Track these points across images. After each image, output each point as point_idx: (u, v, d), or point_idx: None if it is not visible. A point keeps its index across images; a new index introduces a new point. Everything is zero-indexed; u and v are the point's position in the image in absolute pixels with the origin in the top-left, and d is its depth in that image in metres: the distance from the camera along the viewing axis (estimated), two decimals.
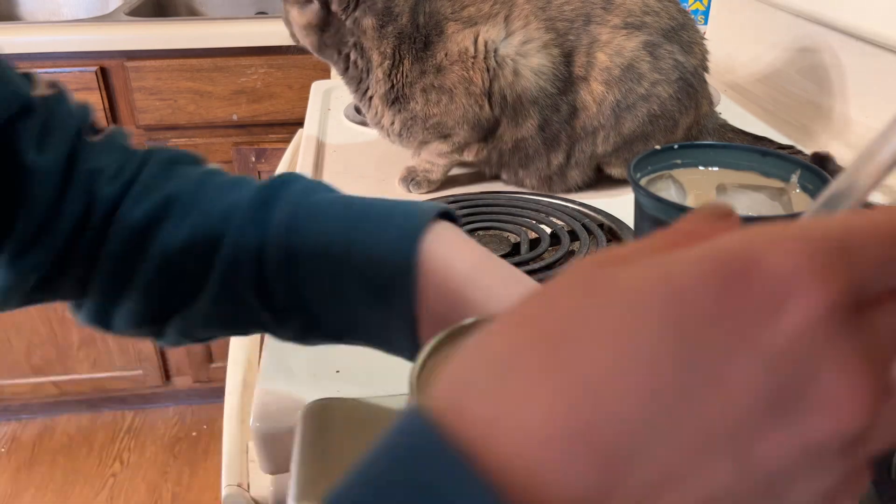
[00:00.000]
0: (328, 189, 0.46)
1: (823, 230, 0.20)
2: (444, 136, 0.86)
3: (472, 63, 0.81)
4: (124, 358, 1.83)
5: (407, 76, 0.84)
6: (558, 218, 0.81)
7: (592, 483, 0.18)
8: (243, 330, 0.49)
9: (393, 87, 0.85)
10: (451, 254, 0.41)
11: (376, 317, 0.42)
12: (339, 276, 0.42)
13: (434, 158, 0.89)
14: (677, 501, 0.19)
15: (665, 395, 0.18)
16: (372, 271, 0.41)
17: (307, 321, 0.44)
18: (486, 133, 0.86)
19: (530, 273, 0.68)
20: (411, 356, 0.42)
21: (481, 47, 0.81)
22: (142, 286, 0.44)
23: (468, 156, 0.89)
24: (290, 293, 0.43)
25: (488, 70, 0.81)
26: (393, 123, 0.87)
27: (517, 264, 0.62)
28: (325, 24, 0.83)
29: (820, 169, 0.46)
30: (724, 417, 0.18)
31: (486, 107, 0.83)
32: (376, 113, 0.88)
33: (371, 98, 0.87)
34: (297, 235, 0.42)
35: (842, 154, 0.94)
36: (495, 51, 0.82)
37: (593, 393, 0.18)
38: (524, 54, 0.81)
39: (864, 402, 0.18)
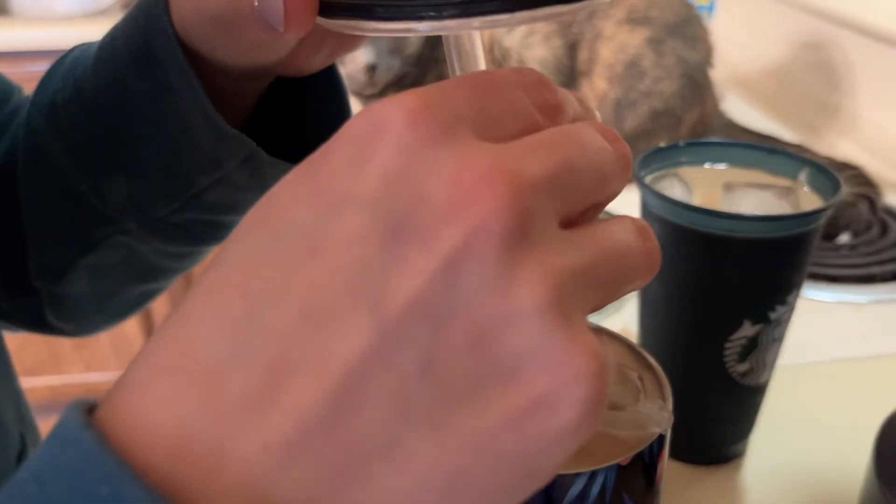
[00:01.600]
0: None
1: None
2: None
3: None
4: (119, 359, 1.82)
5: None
6: None
7: (213, 438, 0.17)
8: (89, 232, 0.45)
9: (405, 77, 0.85)
10: None
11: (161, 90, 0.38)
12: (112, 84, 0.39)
13: None
14: (304, 389, 0.17)
15: (253, 291, 0.18)
16: (135, 45, 0.38)
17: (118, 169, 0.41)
18: None
19: None
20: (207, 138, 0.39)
21: (486, 39, 0.81)
22: None
23: None
24: (85, 126, 0.40)
25: (493, 62, 0.81)
26: None
27: None
28: None
29: (828, 167, 0.45)
30: (332, 276, 0.17)
31: None
32: None
33: (386, 93, 0.87)
34: (60, 80, 0.41)
35: (851, 152, 0.92)
36: (500, 42, 0.82)
37: (191, 358, 0.18)
38: (527, 46, 0.81)
39: (481, 185, 0.17)
